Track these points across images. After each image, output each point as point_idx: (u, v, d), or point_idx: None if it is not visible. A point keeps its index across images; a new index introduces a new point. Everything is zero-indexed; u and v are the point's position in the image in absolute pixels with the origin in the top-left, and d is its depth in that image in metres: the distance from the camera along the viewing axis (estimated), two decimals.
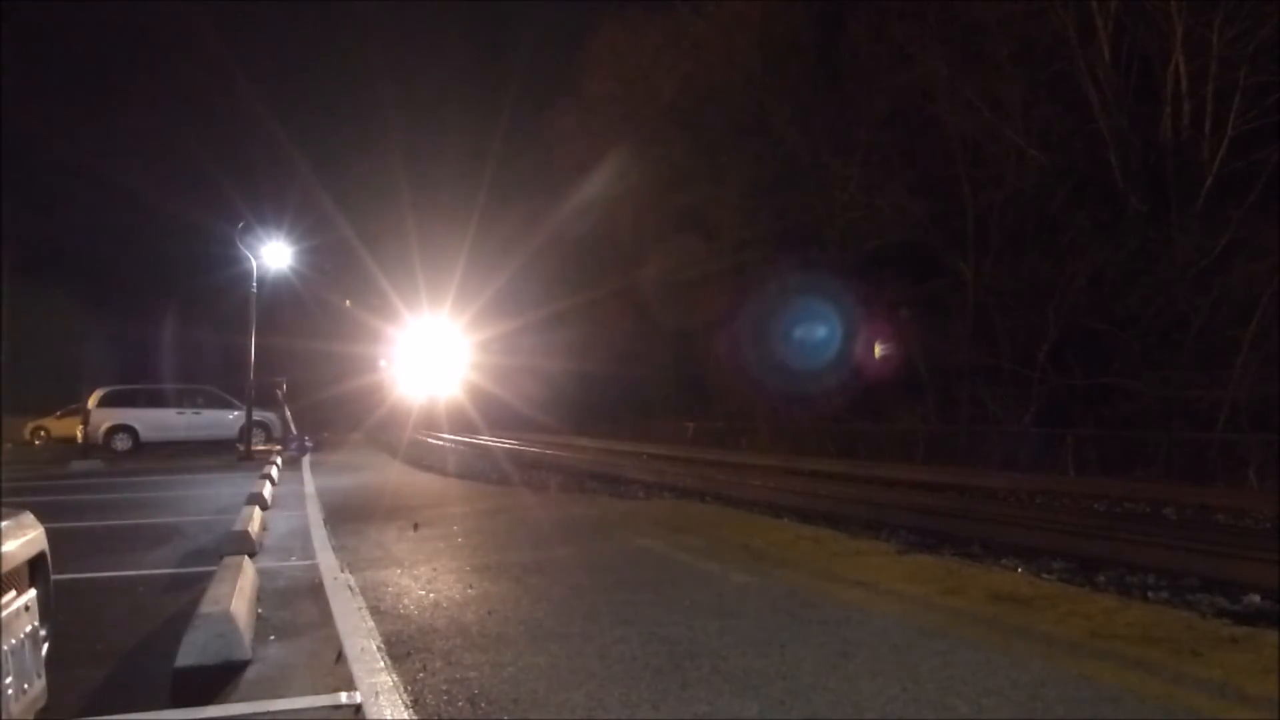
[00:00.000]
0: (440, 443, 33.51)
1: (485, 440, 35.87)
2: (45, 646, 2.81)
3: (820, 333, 27.15)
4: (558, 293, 41.63)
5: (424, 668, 4.18)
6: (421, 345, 48.25)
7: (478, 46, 66.80)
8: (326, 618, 5.19)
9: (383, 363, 59.66)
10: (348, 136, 77.43)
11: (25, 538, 2.69)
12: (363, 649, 4.47)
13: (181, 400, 23.83)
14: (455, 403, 48.93)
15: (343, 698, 3.77)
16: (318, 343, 47.31)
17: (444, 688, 3.87)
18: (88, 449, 20.37)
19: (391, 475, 17.42)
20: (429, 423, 48.38)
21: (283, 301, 33.53)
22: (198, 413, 23.63)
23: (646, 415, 38.54)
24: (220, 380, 24.42)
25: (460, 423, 46.84)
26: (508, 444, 32.10)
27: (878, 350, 25.65)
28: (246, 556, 6.15)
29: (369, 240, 45.94)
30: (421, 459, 23.09)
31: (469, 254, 42.60)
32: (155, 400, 23.60)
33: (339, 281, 47.99)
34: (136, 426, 22.92)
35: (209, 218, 30.50)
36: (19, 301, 33.33)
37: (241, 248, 21.57)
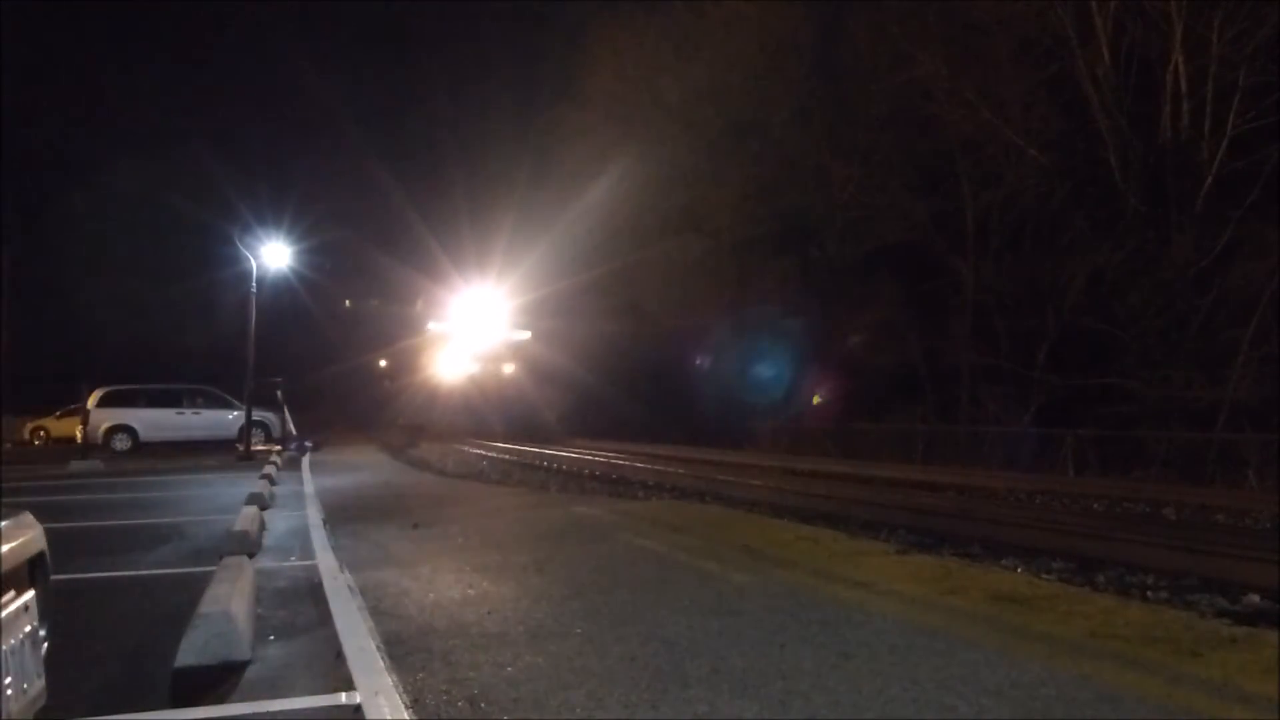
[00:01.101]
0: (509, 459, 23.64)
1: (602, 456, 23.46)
2: (45, 646, 2.80)
3: (768, 373, 29.85)
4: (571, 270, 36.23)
5: (423, 668, 4.17)
6: (465, 321, 38.31)
7: (516, 26, 65.59)
8: (326, 618, 5.19)
9: (382, 362, 58.15)
10: (394, 115, 76.08)
11: (25, 538, 2.69)
12: (362, 649, 4.47)
13: (181, 400, 23.82)
14: (505, 393, 38.00)
15: (342, 698, 3.76)
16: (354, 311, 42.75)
17: (443, 688, 3.87)
18: (87, 449, 20.34)
19: (391, 475, 17.42)
20: (474, 420, 36.87)
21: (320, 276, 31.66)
22: (197, 413, 23.63)
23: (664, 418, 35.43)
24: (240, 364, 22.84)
25: (518, 421, 35.88)
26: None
27: (815, 399, 29.14)
28: (246, 556, 6.14)
29: (420, 209, 40.67)
30: (422, 459, 23.08)
31: (511, 231, 36.73)
32: (155, 400, 23.58)
33: (390, 247, 41.50)
34: (136, 426, 22.92)
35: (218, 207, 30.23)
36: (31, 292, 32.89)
37: (241, 247, 21.57)
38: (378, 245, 45.01)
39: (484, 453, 26.83)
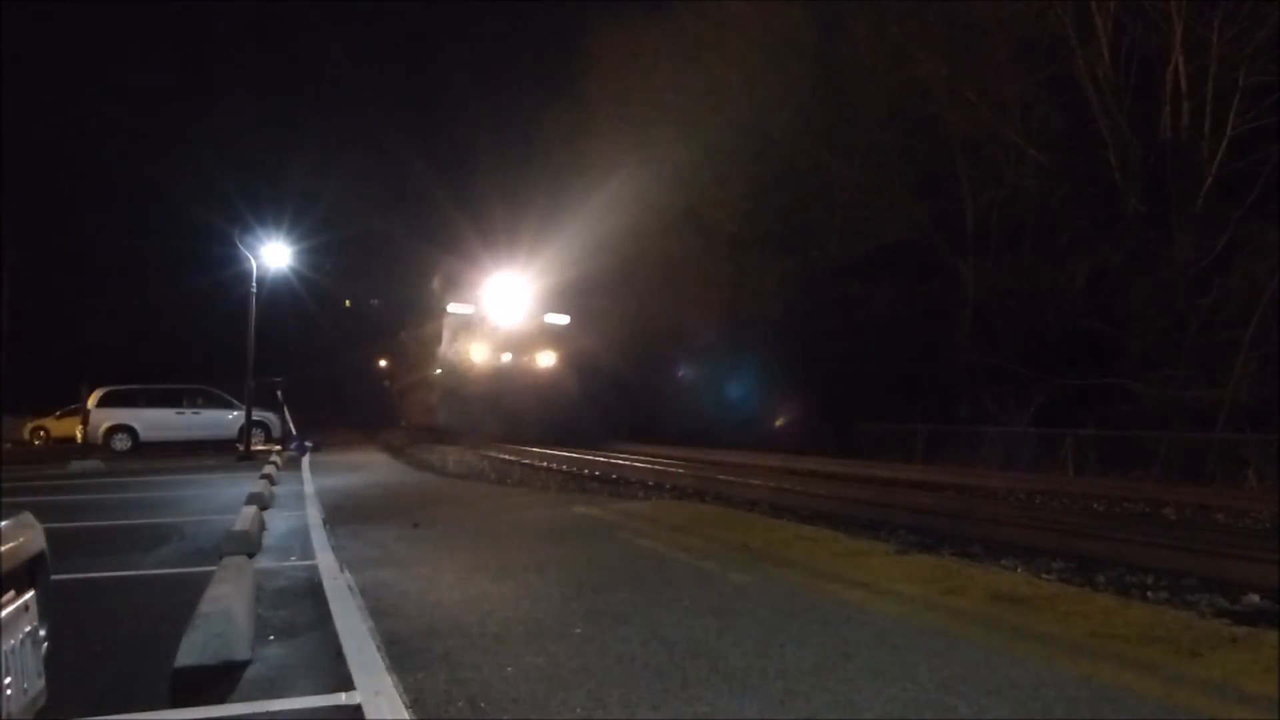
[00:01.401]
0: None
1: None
2: (45, 646, 2.80)
3: (739, 392, 31.29)
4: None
5: (423, 668, 4.17)
6: (493, 301, 32.09)
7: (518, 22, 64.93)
8: (325, 618, 5.18)
9: (383, 362, 57.91)
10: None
11: (25, 537, 2.69)
12: (362, 649, 4.47)
13: (181, 400, 23.86)
14: (542, 389, 31.08)
15: (342, 698, 3.76)
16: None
17: (443, 688, 3.87)
18: (87, 449, 20.36)
19: (391, 475, 17.41)
20: (504, 421, 29.98)
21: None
22: (197, 413, 23.66)
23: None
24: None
25: (559, 423, 29.05)
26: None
27: (779, 421, 30.20)
28: (246, 556, 6.15)
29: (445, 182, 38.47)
30: (423, 460, 23.07)
31: (544, 202, 32.58)
32: (155, 400, 23.62)
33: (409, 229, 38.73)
34: (136, 426, 22.95)
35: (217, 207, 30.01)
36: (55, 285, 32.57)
37: (241, 247, 21.56)
38: (385, 211, 42.99)
39: (531, 462, 21.17)
